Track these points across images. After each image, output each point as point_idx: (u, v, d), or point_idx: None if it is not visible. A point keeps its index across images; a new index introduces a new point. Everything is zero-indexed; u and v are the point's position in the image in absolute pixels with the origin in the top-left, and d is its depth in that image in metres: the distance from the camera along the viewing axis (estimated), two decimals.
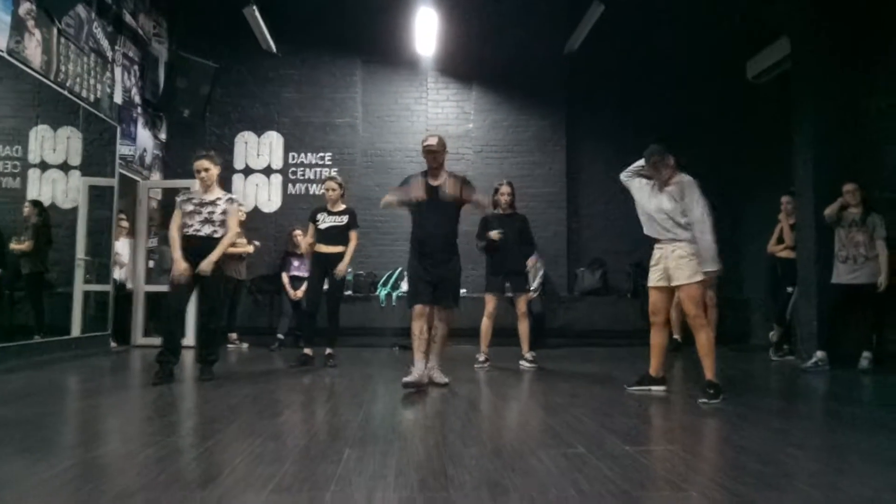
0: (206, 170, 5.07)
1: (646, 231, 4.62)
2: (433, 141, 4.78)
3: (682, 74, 9.35)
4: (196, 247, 4.97)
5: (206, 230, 5.01)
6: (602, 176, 9.22)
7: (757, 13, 8.21)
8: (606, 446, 2.87)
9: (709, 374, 4.25)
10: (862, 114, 6.64)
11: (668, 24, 9.15)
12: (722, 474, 2.45)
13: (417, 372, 4.59)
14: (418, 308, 4.74)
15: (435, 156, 4.78)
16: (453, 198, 4.76)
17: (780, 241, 7.16)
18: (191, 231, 5.00)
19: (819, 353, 6.02)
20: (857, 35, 6.67)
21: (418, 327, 4.73)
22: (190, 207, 5.03)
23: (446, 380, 4.78)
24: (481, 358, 6.07)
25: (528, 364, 5.99)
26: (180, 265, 4.87)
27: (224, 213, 5.07)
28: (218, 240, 5.03)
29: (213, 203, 5.06)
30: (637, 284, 8.52)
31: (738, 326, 8.79)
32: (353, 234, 6.09)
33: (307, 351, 6.01)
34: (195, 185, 5.36)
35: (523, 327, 6.15)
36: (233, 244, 6.38)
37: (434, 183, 4.78)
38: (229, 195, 5.23)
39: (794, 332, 7.01)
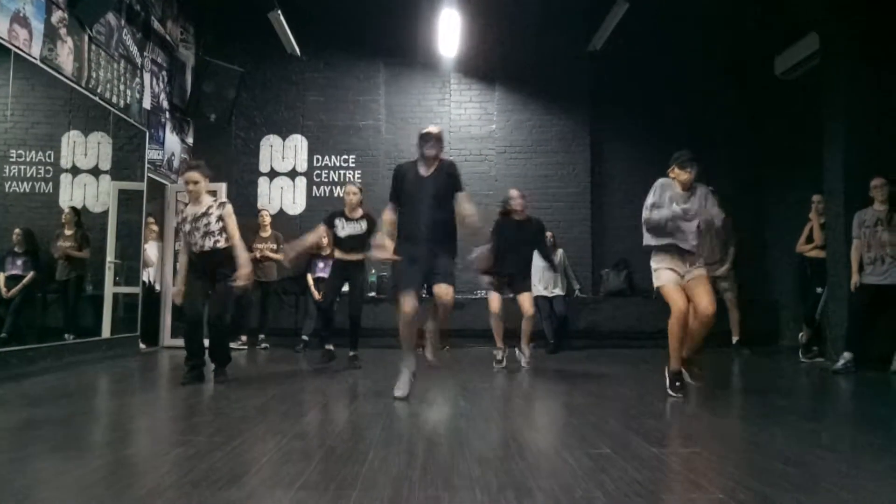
0: (196, 182, 4.92)
1: (659, 241, 4.40)
2: (434, 129, 4.35)
3: (709, 72, 9.26)
4: (206, 261, 4.92)
5: (209, 243, 4.89)
6: (627, 176, 9.17)
7: (785, 9, 8.10)
8: (632, 447, 2.85)
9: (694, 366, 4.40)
10: (893, 110, 6.51)
11: (694, 20, 9.04)
12: (749, 476, 2.42)
13: (407, 378, 4.13)
14: (407, 298, 4.01)
15: (436, 145, 4.30)
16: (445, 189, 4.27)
17: (810, 240, 7.05)
18: (196, 248, 4.94)
19: (846, 354, 5.90)
20: (886, 30, 6.53)
21: (408, 329, 4.09)
22: (188, 227, 4.96)
23: (437, 362, 4.29)
24: (499, 356, 6.05)
25: (524, 358, 6.13)
26: (176, 292, 5.11)
27: (220, 219, 4.93)
28: (224, 249, 4.91)
29: (205, 214, 4.92)
30: None
31: (766, 327, 8.66)
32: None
33: (329, 347, 6.10)
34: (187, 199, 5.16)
35: (526, 325, 6.09)
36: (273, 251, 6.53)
37: (425, 174, 4.32)
38: (219, 200, 5.09)
39: (823, 333, 6.89)
